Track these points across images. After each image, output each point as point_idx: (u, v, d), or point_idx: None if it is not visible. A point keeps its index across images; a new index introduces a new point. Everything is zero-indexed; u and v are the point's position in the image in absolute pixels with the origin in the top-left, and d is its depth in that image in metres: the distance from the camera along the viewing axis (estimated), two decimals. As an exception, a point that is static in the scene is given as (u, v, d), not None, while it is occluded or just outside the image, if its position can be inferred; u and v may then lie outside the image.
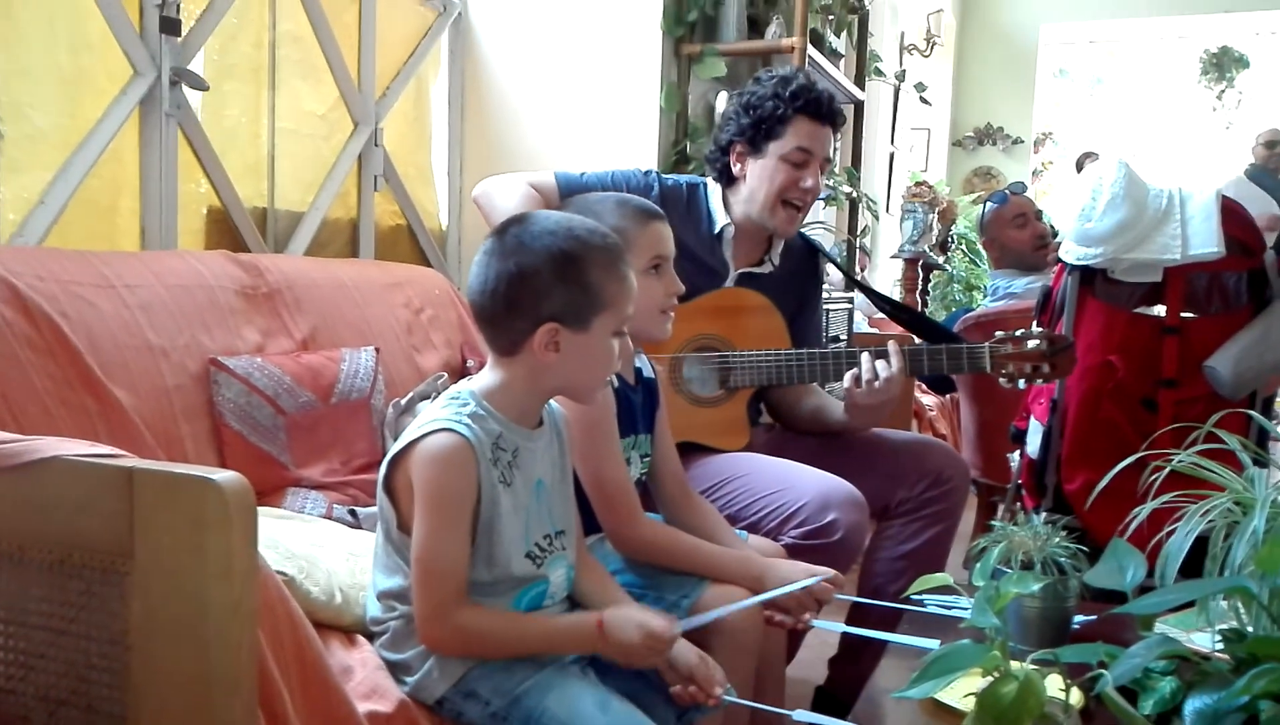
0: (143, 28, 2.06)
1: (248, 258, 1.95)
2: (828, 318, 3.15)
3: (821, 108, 1.99)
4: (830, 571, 1.53)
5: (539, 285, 1.24)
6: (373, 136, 2.72)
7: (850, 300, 3.50)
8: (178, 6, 2.09)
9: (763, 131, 1.99)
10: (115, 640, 1.02)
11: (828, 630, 1.62)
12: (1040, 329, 1.93)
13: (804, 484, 1.80)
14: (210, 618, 0.97)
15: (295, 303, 1.95)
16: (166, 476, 0.99)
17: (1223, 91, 8.82)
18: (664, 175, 2.12)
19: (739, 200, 2.06)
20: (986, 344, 1.93)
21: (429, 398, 2.02)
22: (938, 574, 1.16)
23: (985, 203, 3.40)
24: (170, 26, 2.08)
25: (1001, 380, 1.92)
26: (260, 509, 1.45)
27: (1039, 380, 1.92)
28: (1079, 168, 6.60)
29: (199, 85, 2.15)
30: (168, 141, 2.11)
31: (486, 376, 1.31)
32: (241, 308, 1.83)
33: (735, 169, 2.04)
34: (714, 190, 2.11)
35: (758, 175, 2.01)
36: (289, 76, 2.50)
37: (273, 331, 1.87)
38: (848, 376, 1.89)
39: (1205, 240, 2.00)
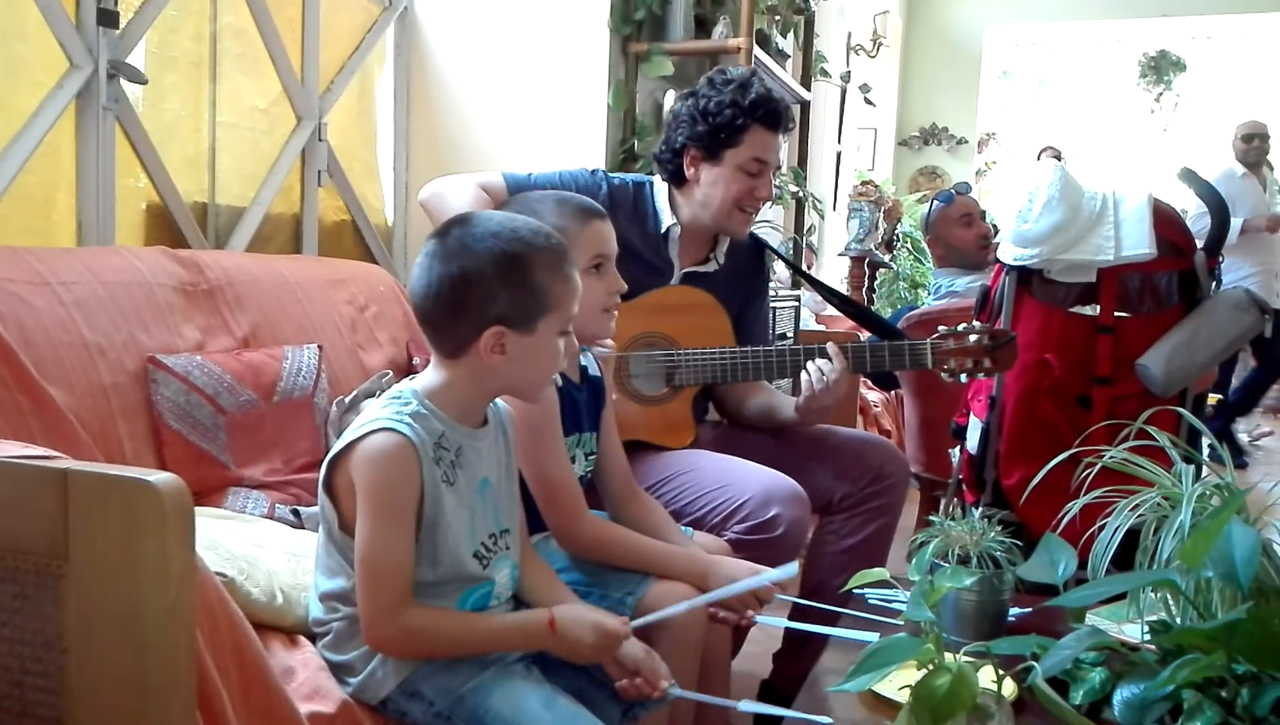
0: (79, 19, 2.02)
1: (187, 254, 1.92)
2: (774, 315, 3.18)
3: (779, 119, 2.01)
4: (775, 573, 1.55)
5: (484, 288, 1.24)
6: (316, 131, 2.69)
7: (797, 298, 3.53)
8: (115, -2, 2.06)
9: (720, 140, 1.99)
10: (50, 644, 1.00)
11: (771, 625, 1.64)
12: (982, 324, 1.96)
13: (747, 480, 1.82)
14: (147, 620, 0.96)
15: (236, 300, 1.93)
16: (101, 478, 0.98)
17: (1160, 94, 9.01)
18: (611, 175, 2.12)
19: (689, 202, 2.06)
20: (928, 341, 1.96)
21: (373, 395, 2.01)
22: (876, 569, 1.19)
23: (932, 202, 3.45)
24: (108, 19, 2.04)
25: (943, 375, 1.95)
26: (200, 509, 1.44)
27: (980, 374, 1.96)
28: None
29: (137, 79, 2.11)
30: (105, 136, 2.07)
31: (430, 376, 1.31)
32: (181, 305, 1.80)
33: (688, 172, 2.04)
34: (660, 189, 2.11)
35: (713, 182, 2.02)
36: (230, 70, 2.46)
37: (213, 329, 1.85)
38: (803, 382, 1.92)
39: (1138, 241, 2.05)
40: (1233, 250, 5.13)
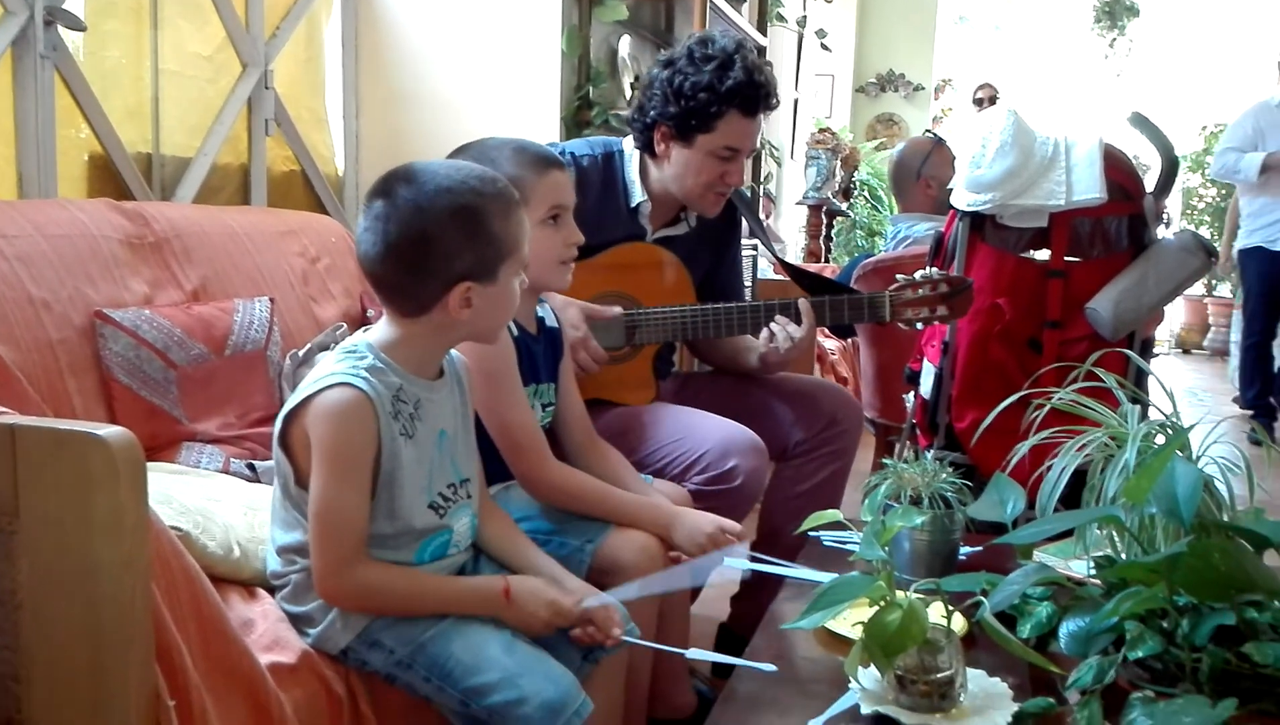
0: (11, -37, 1.95)
1: (132, 206, 1.88)
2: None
3: (758, 104, 1.92)
4: (735, 526, 1.58)
5: (447, 247, 1.22)
6: (263, 79, 2.63)
7: (754, 247, 3.54)
8: (49, -60, 1.99)
9: (692, 124, 1.90)
10: (3, 600, 0.99)
11: (730, 569, 1.67)
12: (938, 271, 1.97)
13: (706, 432, 1.83)
14: (101, 574, 0.95)
15: (184, 252, 1.89)
16: (51, 433, 0.97)
17: (1114, 40, 9.06)
18: (578, 150, 2.04)
19: (660, 176, 2.01)
20: (887, 293, 1.96)
21: (327, 348, 1.99)
22: (830, 511, 1.20)
23: (934, 140, 3.42)
24: (42, -38, 1.97)
25: (900, 326, 1.97)
26: (153, 464, 1.43)
27: (936, 321, 1.98)
28: (977, 104, 6.65)
29: (76, 25, 2.05)
30: (44, 85, 2.01)
31: (384, 329, 1.29)
32: (127, 258, 1.77)
33: (658, 148, 1.97)
34: (631, 157, 2.04)
35: (683, 164, 1.95)
36: (172, 16, 2.39)
37: (161, 282, 1.81)
38: (762, 339, 1.92)
39: (1089, 186, 2.08)
40: (1263, 189, 4.77)
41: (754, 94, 1.90)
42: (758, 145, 2.02)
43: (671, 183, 1.99)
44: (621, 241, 2.02)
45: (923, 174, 3.31)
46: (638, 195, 2.03)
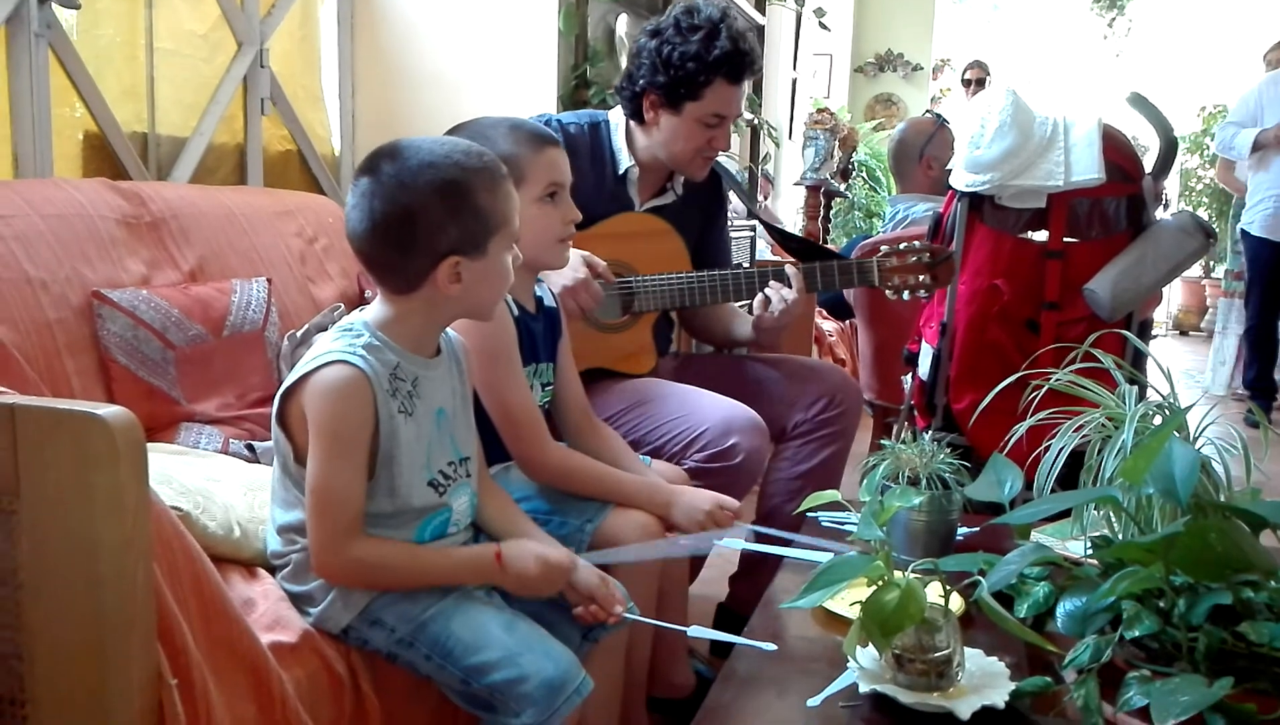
0: (5, -60, 1.94)
1: (129, 186, 1.87)
2: (732, 246, 3.18)
3: (743, 72, 1.97)
4: (733, 502, 1.59)
5: (431, 222, 1.22)
6: (258, 57, 2.61)
7: (753, 227, 3.53)
8: (43, -82, 1.97)
9: (681, 92, 1.95)
10: (5, 580, 0.99)
11: (729, 549, 1.67)
12: (920, 242, 2.02)
13: (706, 409, 1.84)
14: (103, 554, 0.95)
15: (181, 232, 1.89)
16: (50, 413, 0.97)
17: (1113, 20, 9.03)
18: (565, 119, 2.08)
19: (649, 143, 2.04)
20: (874, 259, 2.01)
21: (325, 329, 1.99)
22: (828, 491, 1.21)
23: (937, 120, 3.42)
24: (35, -61, 1.96)
25: (888, 292, 2.01)
26: (152, 445, 1.43)
27: (922, 292, 2.01)
28: (966, 85, 6.56)
29: (70, 3, 2.03)
30: (38, 64, 2.00)
31: (379, 308, 1.29)
32: (124, 238, 1.76)
33: (647, 116, 2.01)
34: (617, 126, 2.08)
35: (672, 130, 1.99)
36: (167, -7, 2.38)
37: (158, 263, 1.81)
38: (756, 304, 1.95)
39: (1087, 166, 2.07)
40: (1259, 166, 4.54)
41: (740, 62, 1.95)
42: (741, 111, 2.04)
43: (660, 149, 2.03)
44: (610, 211, 2.03)
45: (925, 154, 3.30)
46: (625, 161, 2.06)
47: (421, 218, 1.22)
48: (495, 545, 1.30)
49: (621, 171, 2.06)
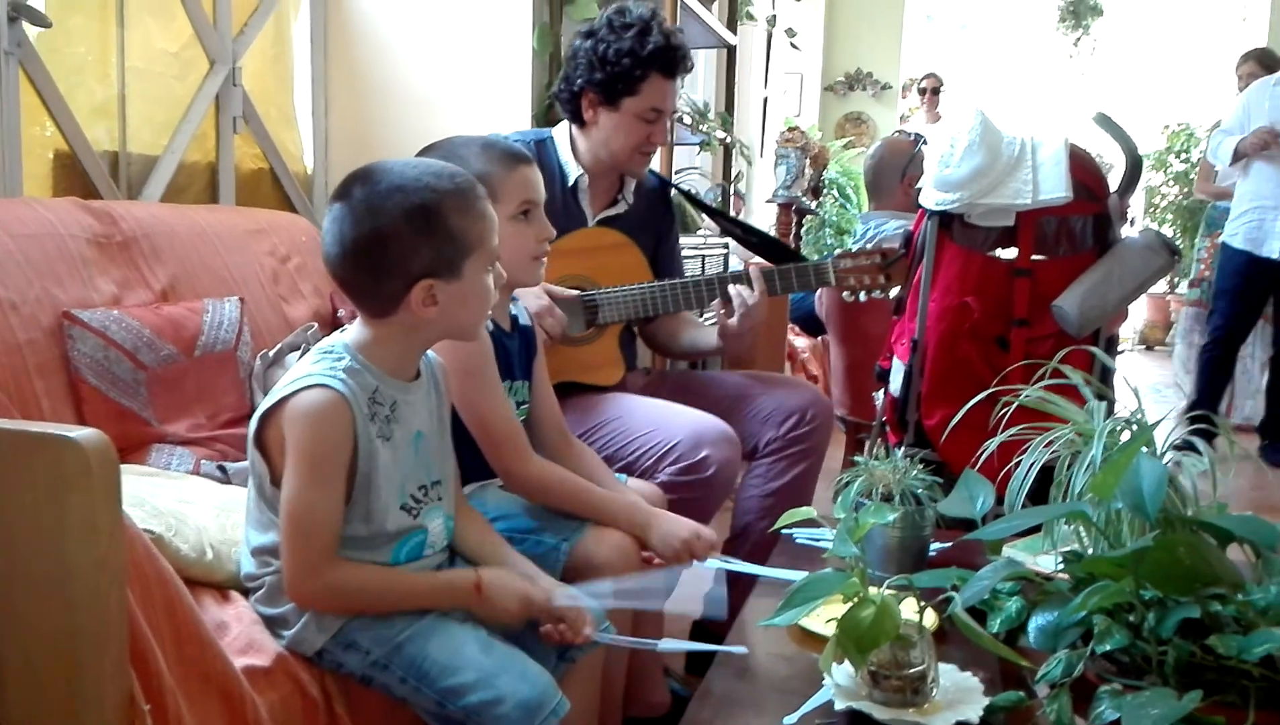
0: (-26, -42, 1.93)
1: (100, 205, 1.86)
2: (704, 262, 3.21)
3: (676, 66, 2.03)
4: (710, 534, 1.59)
5: (402, 246, 1.22)
6: (230, 76, 2.61)
7: (726, 245, 3.55)
8: (13, -64, 1.96)
9: (618, 88, 2.01)
10: (-26, 604, 0.98)
11: (704, 568, 1.68)
12: (872, 245, 2.07)
13: (678, 423, 1.85)
14: (76, 577, 0.95)
15: (153, 252, 1.87)
16: (23, 435, 0.96)
17: (1079, 39, 9.16)
18: (510, 137, 2.09)
19: (591, 145, 2.08)
20: (830, 259, 2.09)
21: (298, 349, 1.98)
22: (803, 508, 1.22)
23: (913, 139, 3.44)
24: (5, -43, 1.94)
25: (845, 294, 2.08)
26: (124, 467, 1.41)
27: (878, 292, 2.08)
28: (921, 94, 6.59)
29: (41, 21, 2.02)
30: (8, 82, 1.98)
31: (359, 331, 1.29)
32: (95, 258, 1.75)
33: (586, 115, 2.05)
34: (561, 140, 2.12)
35: (612, 126, 2.04)
36: (138, 12, 2.37)
37: (130, 282, 1.80)
38: (716, 307, 1.98)
39: (1055, 185, 2.10)
40: (1245, 176, 4.29)
41: (672, 56, 2.02)
42: (678, 106, 2.09)
43: (601, 148, 2.07)
44: (564, 224, 2.04)
45: (909, 173, 3.33)
46: (574, 172, 2.09)
47: (392, 241, 1.22)
48: (475, 573, 1.30)
49: (571, 183, 2.08)
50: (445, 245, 1.24)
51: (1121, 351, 7.80)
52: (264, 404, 1.24)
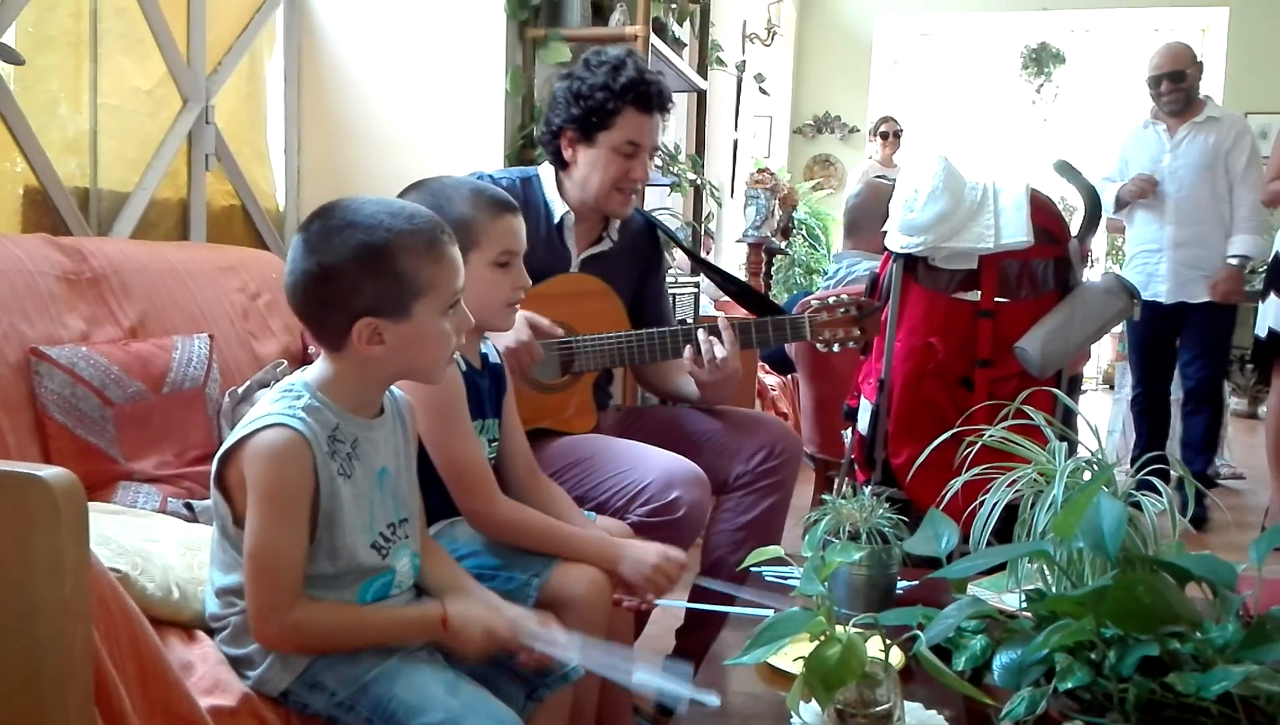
0: (-53, -5, 1.93)
1: (69, 241, 1.86)
2: (675, 301, 3.23)
3: (651, 101, 2.03)
4: (680, 554, 1.59)
5: (345, 282, 1.22)
6: (203, 114, 2.61)
7: (696, 284, 3.58)
8: (-13, -26, 1.97)
9: (593, 123, 2.02)
10: (-65, 645, 0.97)
11: (673, 606, 1.68)
12: (849, 296, 2.08)
13: (648, 464, 1.85)
14: (41, 617, 0.94)
15: (122, 288, 1.87)
16: (-12, 474, 0.96)
17: (1041, 85, 9.35)
18: (496, 175, 2.12)
19: (573, 185, 2.09)
20: (806, 314, 2.07)
21: (268, 386, 1.98)
22: (771, 547, 1.23)
23: (892, 184, 3.48)
24: (-22, -5, 1.95)
25: (819, 345, 2.07)
26: (90, 504, 1.40)
27: (851, 343, 2.08)
28: (882, 137, 6.63)
29: (13, 59, 2.03)
30: (-22, 117, 1.98)
31: (320, 367, 1.29)
32: (64, 294, 1.74)
33: (566, 154, 2.07)
34: (547, 178, 2.13)
35: (590, 164, 2.05)
36: (111, 50, 2.38)
37: (99, 319, 1.79)
38: (687, 356, 1.98)
39: (1016, 230, 2.15)
40: (1130, 223, 4.21)
41: (646, 90, 2.02)
42: (658, 143, 2.12)
43: (580, 187, 2.07)
44: (548, 261, 2.06)
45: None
46: (559, 210, 2.09)
47: (336, 277, 1.22)
48: (441, 607, 1.30)
49: (557, 221, 2.09)
50: (391, 285, 1.23)
51: (1085, 391, 7.89)
52: (224, 444, 1.23)
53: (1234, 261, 3.90)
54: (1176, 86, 4.01)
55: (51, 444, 1.60)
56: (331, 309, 1.23)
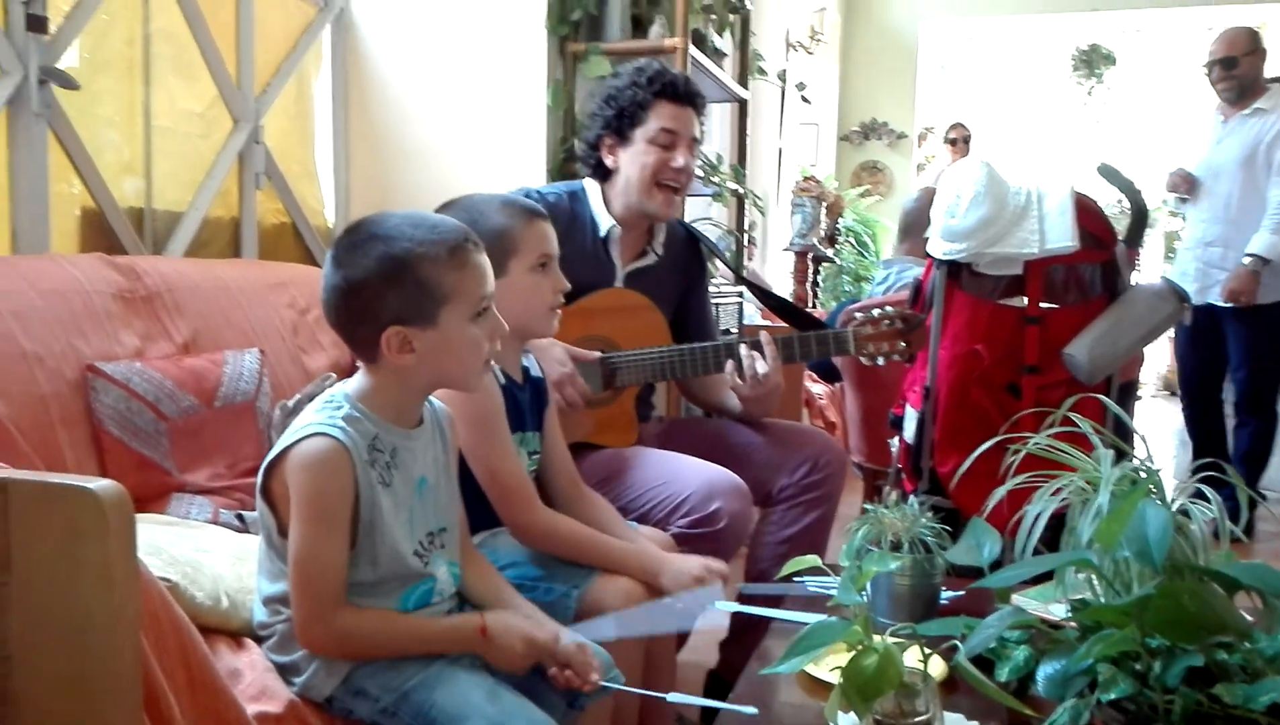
0: (8, 25, 2.00)
1: (124, 260, 1.91)
2: (718, 311, 3.23)
3: (678, 89, 2.06)
4: (722, 565, 1.59)
5: (371, 293, 1.25)
6: (253, 134, 2.67)
7: (740, 294, 3.58)
8: (45, 3, 2.03)
9: (626, 120, 2.05)
10: (-7, 652, 1.01)
11: (719, 615, 1.68)
12: (894, 308, 2.05)
13: (689, 475, 1.86)
14: (92, 626, 0.97)
15: (175, 305, 1.92)
16: (41, 486, 0.99)
17: (1092, 87, 9.21)
18: (544, 190, 2.15)
19: (617, 193, 2.10)
20: (850, 328, 2.05)
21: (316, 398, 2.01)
22: (809, 556, 1.22)
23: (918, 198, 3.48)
24: (37, 24, 2.01)
25: (863, 359, 2.04)
26: (143, 516, 1.44)
27: (896, 356, 2.05)
28: (951, 144, 6.57)
29: (69, 84, 2.09)
30: (37, 142, 2.05)
31: (359, 379, 1.32)
32: (119, 312, 1.79)
33: (608, 161, 2.09)
34: (593, 191, 2.14)
35: (629, 162, 2.06)
36: (164, 74, 2.44)
37: (152, 335, 1.84)
38: (728, 371, 1.98)
39: (1061, 235, 2.12)
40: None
41: (673, 80, 2.06)
42: (697, 136, 2.11)
43: (625, 193, 2.08)
44: (594, 274, 2.07)
45: None
46: (605, 223, 2.10)
47: (362, 289, 1.25)
48: (480, 617, 1.31)
49: (603, 234, 2.10)
50: (415, 292, 1.25)
51: (1141, 397, 7.72)
52: (269, 456, 1.26)
53: (1247, 261, 3.67)
54: (1228, 74, 3.83)
55: (107, 457, 1.64)
56: (361, 321, 1.26)
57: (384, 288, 1.25)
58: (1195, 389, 4.07)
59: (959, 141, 6.42)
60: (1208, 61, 3.92)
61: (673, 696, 1.36)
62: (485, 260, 1.32)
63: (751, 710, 1.19)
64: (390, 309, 1.25)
